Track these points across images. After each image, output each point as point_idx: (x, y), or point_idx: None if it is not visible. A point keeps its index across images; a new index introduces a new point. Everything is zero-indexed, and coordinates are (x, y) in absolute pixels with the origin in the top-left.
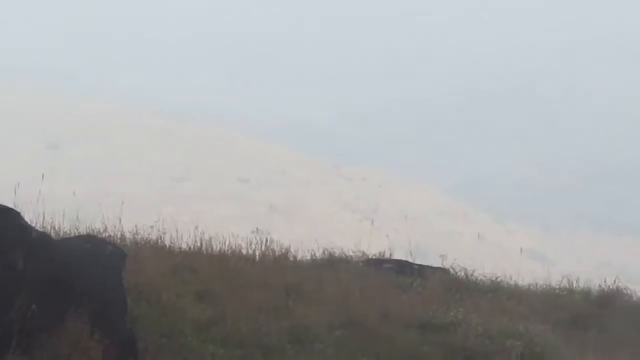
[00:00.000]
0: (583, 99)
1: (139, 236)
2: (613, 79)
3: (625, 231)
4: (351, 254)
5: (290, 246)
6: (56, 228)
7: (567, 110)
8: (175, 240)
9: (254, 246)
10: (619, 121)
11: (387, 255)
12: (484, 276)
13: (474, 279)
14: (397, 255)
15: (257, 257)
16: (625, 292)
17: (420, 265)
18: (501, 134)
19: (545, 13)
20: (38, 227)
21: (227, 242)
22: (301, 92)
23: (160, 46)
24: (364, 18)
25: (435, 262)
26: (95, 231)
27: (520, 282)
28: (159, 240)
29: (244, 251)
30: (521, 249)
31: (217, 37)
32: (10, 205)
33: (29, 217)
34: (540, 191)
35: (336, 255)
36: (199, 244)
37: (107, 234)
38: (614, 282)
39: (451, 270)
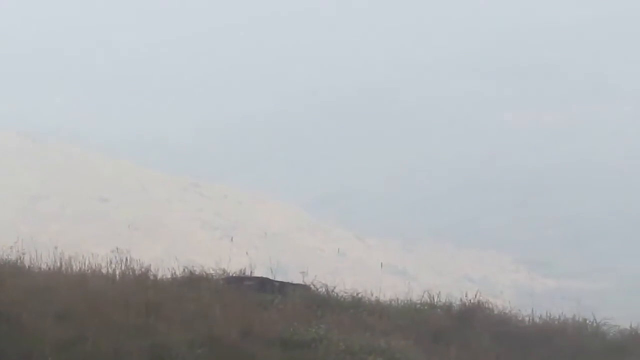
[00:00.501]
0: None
1: None
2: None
3: (486, 245)
4: (211, 271)
5: (150, 265)
6: None
7: (428, 123)
8: (35, 260)
9: (114, 265)
10: (475, 133)
11: (247, 273)
12: (345, 292)
13: (335, 295)
14: (258, 272)
15: (117, 276)
16: (486, 305)
17: (281, 282)
18: (360, 149)
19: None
20: None
21: (86, 262)
22: (156, 108)
23: (12, 66)
24: (223, 28)
25: (296, 279)
26: None
27: (381, 298)
28: (19, 261)
29: (104, 270)
30: (382, 264)
31: (69, 55)
32: None
33: None
34: (400, 206)
35: (196, 273)
36: (58, 264)
37: None
38: (475, 296)
39: (312, 286)
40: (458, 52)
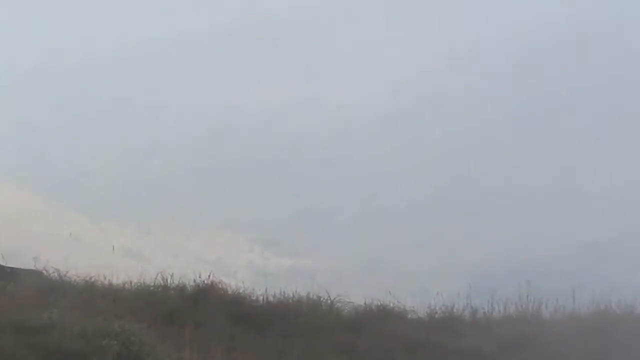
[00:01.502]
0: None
1: None
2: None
3: (221, 226)
4: None
5: None
6: None
7: (152, 109)
8: None
9: None
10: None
11: None
12: (78, 277)
13: (68, 279)
14: None
15: None
16: (219, 286)
17: (12, 268)
18: (98, 135)
19: None
20: None
21: None
22: None
23: None
24: None
25: (29, 264)
26: None
27: (115, 281)
28: None
29: None
30: (113, 247)
31: None
32: None
33: None
34: (136, 189)
35: None
36: None
37: None
38: (209, 276)
39: (44, 272)
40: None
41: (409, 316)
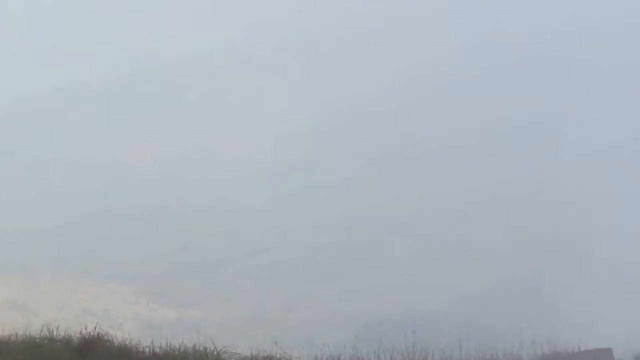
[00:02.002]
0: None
1: None
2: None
3: (106, 278)
4: None
5: None
6: None
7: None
8: None
9: None
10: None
11: None
12: None
13: None
14: None
15: None
16: (106, 337)
17: None
18: None
19: None
20: None
21: None
22: None
23: None
24: None
25: None
26: None
27: (0, 334)
28: None
29: None
30: None
31: None
32: None
33: None
34: (23, 241)
35: None
36: None
37: None
38: (95, 328)
39: None
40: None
41: None
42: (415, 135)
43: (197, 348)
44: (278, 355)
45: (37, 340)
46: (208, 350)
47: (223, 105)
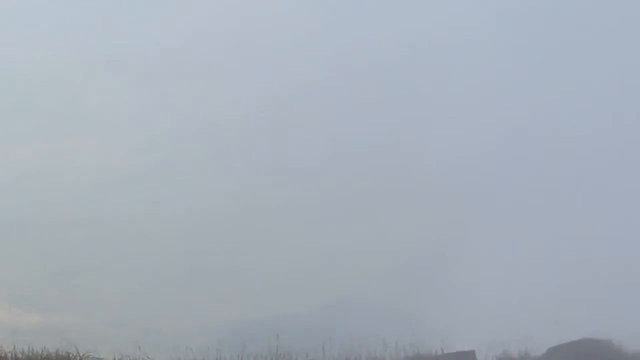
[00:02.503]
0: None
1: None
2: None
3: None
4: None
5: None
6: None
7: None
8: None
9: None
10: None
11: None
12: None
13: None
14: None
15: None
16: None
17: None
18: None
19: None
20: None
21: None
22: None
23: None
24: None
25: None
26: None
27: None
28: None
29: None
30: None
31: None
32: None
33: None
34: None
35: None
36: None
37: None
38: None
39: None
40: None
41: None
42: (291, 144)
43: (60, 353)
44: (140, 358)
45: None
46: (71, 355)
47: (81, 109)
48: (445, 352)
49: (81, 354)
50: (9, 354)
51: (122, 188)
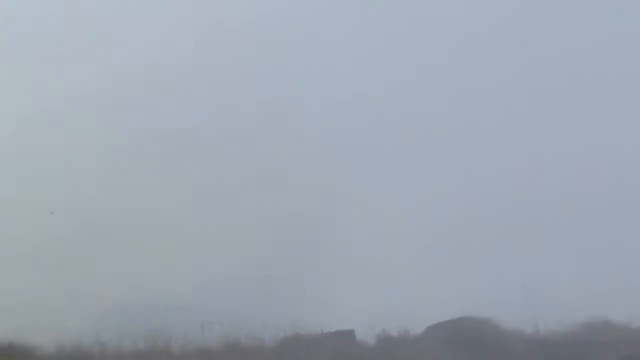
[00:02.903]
0: None
1: None
2: None
3: None
4: None
5: None
6: None
7: None
8: None
9: None
10: None
11: None
12: None
13: None
14: None
15: None
16: None
17: None
18: None
19: None
20: None
21: None
22: None
23: None
24: None
25: None
26: None
27: None
28: None
29: None
30: None
31: None
32: None
33: None
34: None
35: None
36: None
37: None
38: None
39: None
40: None
41: (37, 352)
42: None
43: None
44: (19, 342)
45: None
46: None
47: None
48: (324, 331)
49: None
50: None
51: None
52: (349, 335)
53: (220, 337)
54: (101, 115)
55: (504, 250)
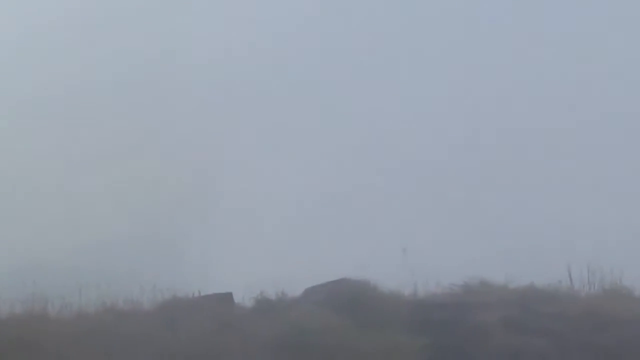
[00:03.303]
0: None
1: None
2: None
3: None
4: None
5: None
6: None
7: None
8: None
9: None
10: None
11: None
12: None
13: None
14: None
15: None
16: None
17: None
18: None
19: None
20: None
21: None
22: None
23: None
24: None
25: None
26: None
27: None
28: None
29: None
30: None
31: None
32: None
33: None
34: None
35: None
36: None
37: None
38: None
39: None
40: None
41: None
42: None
43: None
44: None
45: None
46: None
47: None
48: (202, 294)
49: None
50: None
51: None
52: (226, 298)
53: (97, 300)
54: None
55: (382, 212)
